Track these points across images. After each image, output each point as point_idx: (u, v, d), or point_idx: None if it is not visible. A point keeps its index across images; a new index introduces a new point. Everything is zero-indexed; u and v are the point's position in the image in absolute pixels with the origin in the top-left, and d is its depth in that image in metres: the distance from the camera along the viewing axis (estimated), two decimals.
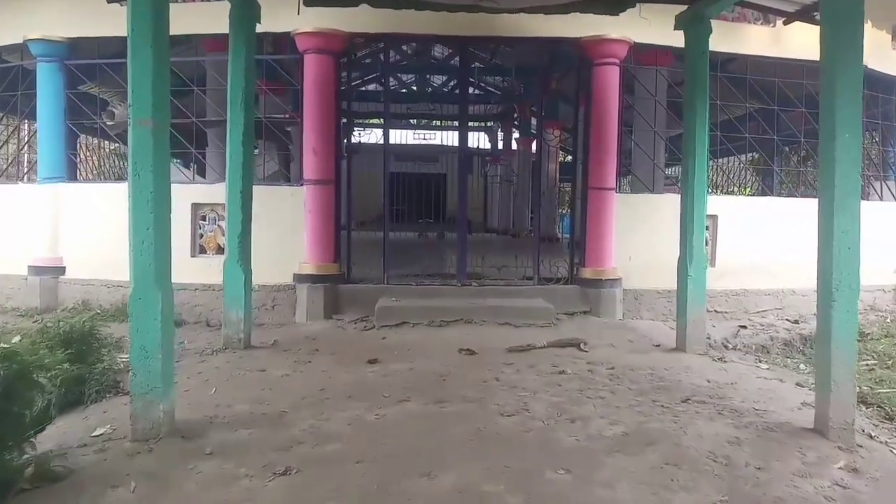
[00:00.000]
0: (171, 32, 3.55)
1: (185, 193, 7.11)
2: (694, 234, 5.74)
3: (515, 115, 25.58)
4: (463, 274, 7.13)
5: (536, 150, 6.93)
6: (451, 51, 24.64)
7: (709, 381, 4.97)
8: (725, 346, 6.52)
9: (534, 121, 24.69)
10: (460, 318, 6.44)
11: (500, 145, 27.03)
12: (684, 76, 5.85)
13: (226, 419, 3.84)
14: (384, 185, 7.07)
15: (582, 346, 5.82)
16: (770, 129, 7.90)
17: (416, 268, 7.51)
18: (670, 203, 7.35)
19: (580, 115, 7.36)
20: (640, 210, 7.25)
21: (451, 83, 27.21)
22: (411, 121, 28.91)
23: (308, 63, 6.79)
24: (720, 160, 13.26)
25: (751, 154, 11.73)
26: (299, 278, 6.85)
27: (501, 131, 27.52)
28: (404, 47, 24.70)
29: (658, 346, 6.12)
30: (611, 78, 7.07)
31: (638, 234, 7.20)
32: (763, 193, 9.52)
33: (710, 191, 5.83)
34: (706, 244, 6.61)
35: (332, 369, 5.03)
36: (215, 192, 6.98)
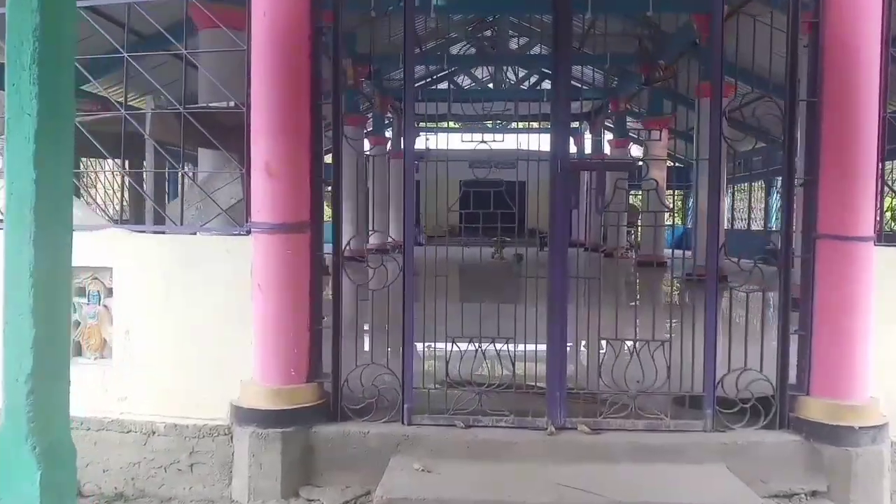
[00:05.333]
0: None
1: None
2: None
3: (609, 113, 22.04)
4: (559, 408, 3.78)
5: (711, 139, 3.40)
6: (527, 38, 21.80)
7: None
8: None
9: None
10: None
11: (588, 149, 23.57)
12: None
13: None
14: (404, 199, 3.91)
15: None
16: None
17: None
18: None
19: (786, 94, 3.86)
20: None
21: (531, 79, 24.06)
22: (487, 123, 25.96)
23: (257, 4, 3.69)
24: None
25: None
26: (240, 415, 3.73)
27: (591, 132, 24.07)
28: (479, 34, 21.73)
29: None
30: (862, 16, 3.60)
31: None
32: None
33: None
34: None
35: None
36: (105, 245, 4.01)
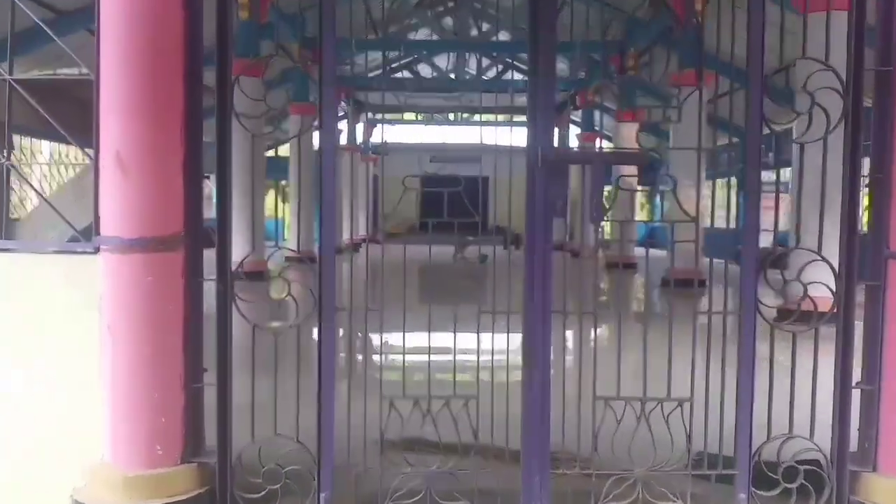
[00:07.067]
0: None
1: None
2: None
3: (576, 106, 21.01)
4: (539, 497, 2.71)
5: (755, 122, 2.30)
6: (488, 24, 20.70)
7: None
8: None
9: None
10: None
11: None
12: None
13: None
14: (321, 202, 2.85)
15: None
16: None
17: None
18: None
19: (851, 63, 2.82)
20: None
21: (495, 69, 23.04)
22: (450, 115, 24.92)
23: None
24: None
25: None
26: None
27: (557, 126, 23.09)
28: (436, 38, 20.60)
29: None
30: None
31: None
32: None
33: None
34: None
35: None
36: None
